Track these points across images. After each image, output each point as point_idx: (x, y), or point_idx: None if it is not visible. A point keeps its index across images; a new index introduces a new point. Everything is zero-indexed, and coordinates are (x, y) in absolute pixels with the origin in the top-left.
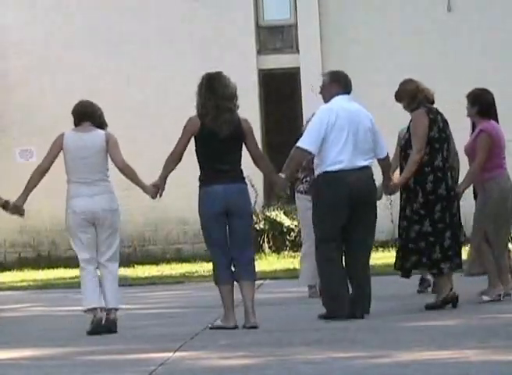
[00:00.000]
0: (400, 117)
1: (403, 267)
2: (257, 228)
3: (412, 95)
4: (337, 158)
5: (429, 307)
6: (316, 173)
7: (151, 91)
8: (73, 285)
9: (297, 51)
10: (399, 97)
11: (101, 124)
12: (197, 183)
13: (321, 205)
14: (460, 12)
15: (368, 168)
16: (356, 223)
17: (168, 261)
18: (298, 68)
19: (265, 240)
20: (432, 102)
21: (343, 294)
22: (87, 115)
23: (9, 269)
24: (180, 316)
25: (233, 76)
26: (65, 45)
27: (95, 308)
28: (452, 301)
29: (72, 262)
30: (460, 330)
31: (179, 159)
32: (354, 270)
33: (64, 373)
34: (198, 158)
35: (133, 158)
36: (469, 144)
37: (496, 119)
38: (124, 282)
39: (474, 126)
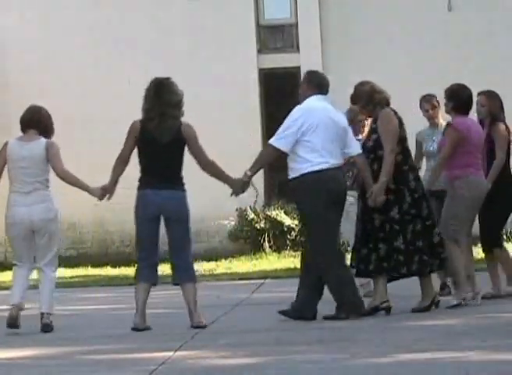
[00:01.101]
0: (407, 115)
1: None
2: (258, 227)
3: (369, 96)
4: (317, 159)
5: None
6: (294, 175)
7: None
8: (73, 284)
9: (298, 50)
10: (355, 98)
11: (47, 131)
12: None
13: (307, 204)
14: (460, 12)
15: (341, 167)
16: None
17: (168, 261)
18: (298, 67)
19: (266, 239)
20: (388, 104)
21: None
22: (32, 122)
23: (10, 269)
24: (181, 316)
25: (234, 76)
26: (66, 45)
27: (13, 305)
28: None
29: (72, 261)
30: (460, 330)
31: (126, 162)
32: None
33: (64, 372)
34: (139, 162)
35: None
36: (441, 140)
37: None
38: (124, 281)
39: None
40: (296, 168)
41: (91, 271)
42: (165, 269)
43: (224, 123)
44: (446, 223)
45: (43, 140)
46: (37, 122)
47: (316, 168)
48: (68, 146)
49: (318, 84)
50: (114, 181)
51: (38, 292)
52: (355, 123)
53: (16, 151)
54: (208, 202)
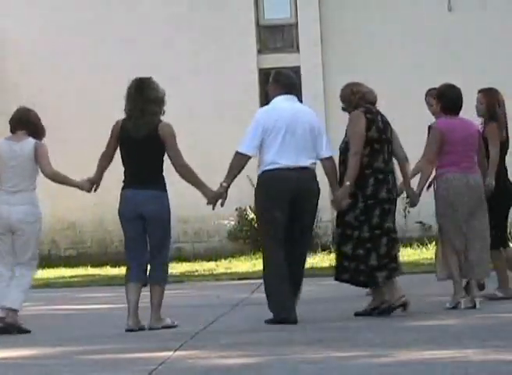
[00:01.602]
0: (407, 115)
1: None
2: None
3: (348, 98)
4: (274, 159)
5: (358, 314)
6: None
7: None
8: (73, 284)
9: (298, 50)
10: (341, 101)
11: (36, 133)
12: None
13: (260, 203)
14: (460, 12)
15: (308, 168)
16: (294, 222)
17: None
18: (299, 67)
19: None
20: (373, 103)
21: (285, 296)
22: (21, 123)
23: None
24: (180, 315)
25: (234, 76)
26: (67, 45)
27: None
28: (387, 310)
29: (72, 261)
30: (460, 330)
31: (110, 159)
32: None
33: (64, 372)
34: (121, 161)
35: None
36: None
37: (457, 114)
38: (124, 281)
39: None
40: (258, 168)
41: (91, 271)
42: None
43: (224, 122)
44: (438, 224)
45: (32, 140)
46: (26, 122)
47: (267, 167)
48: (68, 145)
49: (285, 84)
50: (99, 174)
51: (33, 292)
52: None
53: (4, 151)
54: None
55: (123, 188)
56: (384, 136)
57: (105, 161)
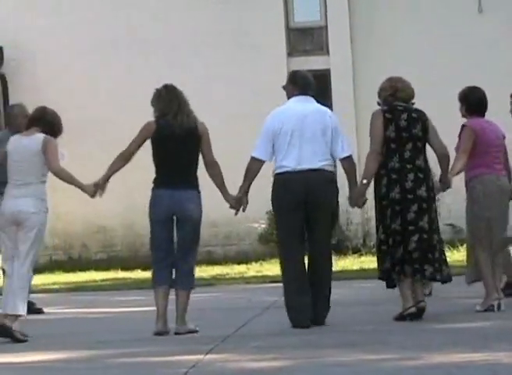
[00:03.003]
0: (436, 117)
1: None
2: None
3: (378, 94)
4: (282, 162)
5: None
6: None
7: None
8: (104, 288)
9: (327, 52)
10: (378, 96)
11: (51, 131)
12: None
13: (274, 208)
14: (491, 13)
15: (321, 170)
16: (312, 224)
17: (199, 263)
18: (328, 70)
19: None
20: (407, 100)
21: (304, 301)
22: (35, 120)
23: (41, 272)
24: (211, 319)
25: (264, 78)
26: (92, 49)
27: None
28: (409, 317)
29: (102, 264)
30: (492, 332)
31: (129, 160)
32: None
33: None
34: (154, 162)
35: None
36: (457, 143)
37: (483, 115)
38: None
39: None
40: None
41: (121, 274)
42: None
43: (254, 125)
44: (468, 226)
45: (40, 135)
46: (39, 120)
47: (277, 171)
48: (92, 146)
49: (300, 85)
50: (107, 177)
51: (64, 295)
52: None
53: (13, 145)
54: None
55: (157, 188)
56: (405, 134)
57: (122, 161)
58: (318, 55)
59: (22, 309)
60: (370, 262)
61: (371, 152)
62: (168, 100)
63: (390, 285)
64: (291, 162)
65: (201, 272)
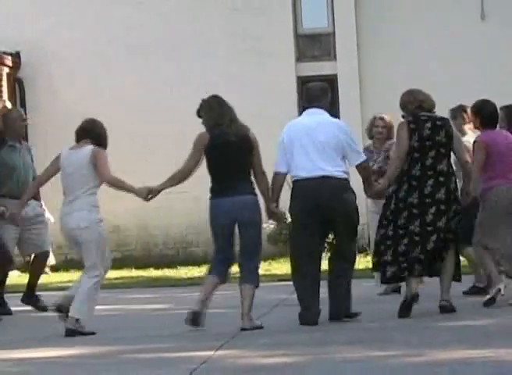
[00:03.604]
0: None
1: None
2: None
3: (405, 106)
4: (295, 172)
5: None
6: None
7: (192, 99)
8: (118, 286)
9: (335, 58)
10: (400, 108)
11: (99, 142)
12: None
13: (290, 211)
14: (493, 21)
15: (331, 177)
16: (331, 228)
17: (210, 262)
18: (336, 75)
19: None
20: (429, 110)
21: (315, 306)
22: (85, 132)
23: (56, 270)
24: (221, 316)
25: (273, 83)
26: (109, 52)
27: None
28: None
29: (116, 263)
30: (495, 330)
31: (189, 175)
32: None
33: (110, 370)
34: (209, 171)
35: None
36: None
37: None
38: (167, 283)
39: None
40: None
41: (135, 272)
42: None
43: (262, 129)
44: (475, 231)
45: (90, 146)
46: (89, 132)
47: (292, 180)
48: (116, 155)
49: (308, 98)
50: (163, 188)
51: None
52: None
53: (65, 159)
54: None
55: (216, 196)
56: (428, 142)
57: (183, 178)
58: (326, 60)
59: (81, 314)
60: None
61: (396, 158)
62: (221, 109)
63: (384, 281)
64: (303, 171)
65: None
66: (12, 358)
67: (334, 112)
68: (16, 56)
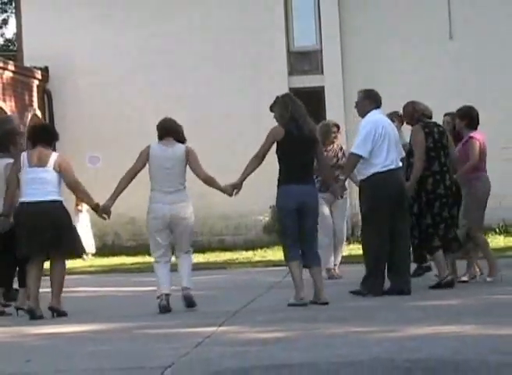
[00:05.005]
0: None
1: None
2: None
3: (410, 115)
4: (385, 162)
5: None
6: (364, 176)
7: (198, 110)
8: (133, 270)
9: (322, 72)
10: (404, 117)
11: (181, 139)
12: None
13: (376, 198)
14: (460, 40)
15: (400, 169)
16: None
17: (213, 250)
18: (323, 87)
19: None
20: (430, 117)
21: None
22: (171, 130)
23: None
24: (223, 297)
25: (268, 94)
26: (131, 65)
27: (162, 294)
28: (445, 286)
29: (131, 250)
30: (460, 309)
31: (261, 163)
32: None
33: (124, 344)
34: (280, 161)
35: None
36: (459, 149)
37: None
38: (175, 268)
39: (458, 137)
40: (365, 169)
41: (148, 259)
42: (210, 256)
43: (259, 134)
44: (469, 214)
45: (182, 145)
46: (172, 130)
47: (383, 169)
48: (127, 156)
49: (376, 100)
50: (244, 178)
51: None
52: None
53: (159, 153)
54: (246, 200)
55: (286, 183)
56: (439, 144)
57: (257, 163)
58: (315, 74)
59: (192, 284)
60: (357, 249)
61: (419, 159)
62: (296, 106)
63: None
64: (392, 162)
65: (215, 257)
66: (43, 333)
67: (321, 119)
68: (45, 70)
